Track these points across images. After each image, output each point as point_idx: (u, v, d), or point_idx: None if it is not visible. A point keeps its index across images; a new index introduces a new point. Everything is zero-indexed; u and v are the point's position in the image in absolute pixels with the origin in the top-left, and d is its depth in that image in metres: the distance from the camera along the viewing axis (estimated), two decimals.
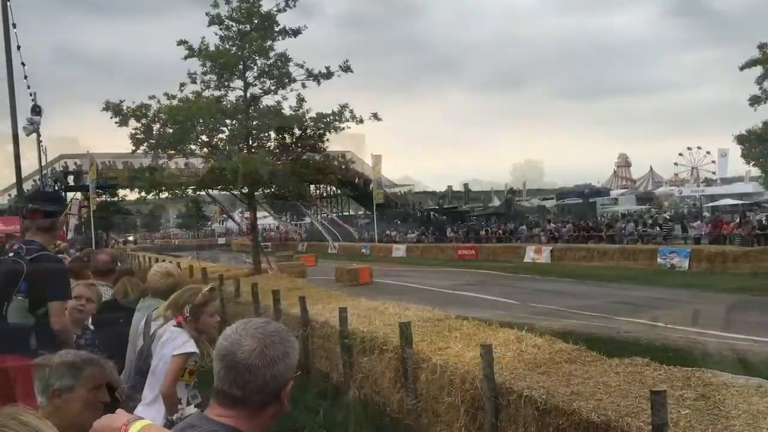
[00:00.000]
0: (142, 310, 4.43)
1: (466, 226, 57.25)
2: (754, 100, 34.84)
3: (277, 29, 18.88)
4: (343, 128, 19.31)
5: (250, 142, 19.42)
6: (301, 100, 19.26)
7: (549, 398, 4.67)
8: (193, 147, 19.63)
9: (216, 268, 22.96)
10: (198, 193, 21.62)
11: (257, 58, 18.93)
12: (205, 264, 23.24)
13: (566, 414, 4.43)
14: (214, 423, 1.75)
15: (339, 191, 62.96)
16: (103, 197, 53.59)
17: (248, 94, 19.48)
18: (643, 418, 4.00)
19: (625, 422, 4.03)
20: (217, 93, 19.22)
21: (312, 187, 49.15)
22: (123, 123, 18.28)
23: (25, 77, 14.96)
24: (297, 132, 19.42)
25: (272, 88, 19.37)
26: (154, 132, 18.54)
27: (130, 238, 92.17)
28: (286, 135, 19.53)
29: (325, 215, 62.28)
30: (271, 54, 18.87)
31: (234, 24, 19.01)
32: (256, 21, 18.76)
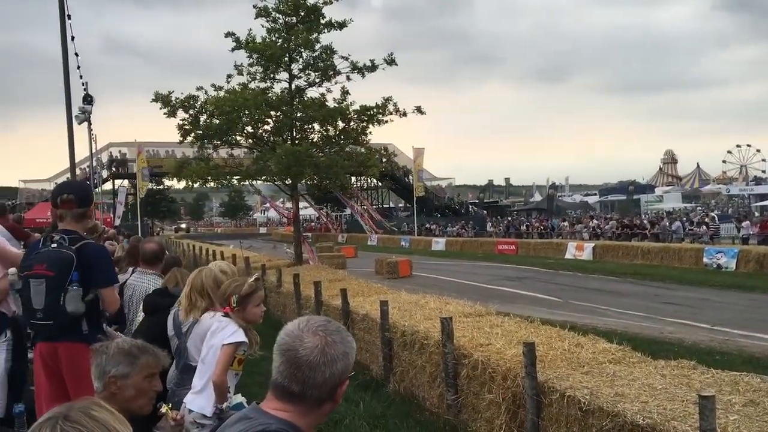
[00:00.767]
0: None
1: (506, 220, 56.94)
2: None
3: (323, 22, 18.96)
4: (386, 121, 19.36)
5: (294, 134, 19.59)
6: (345, 92, 19.35)
7: (593, 399, 4.63)
8: (238, 138, 19.89)
9: (258, 257, 23.26)
10: (242, 183, 21.90)
11: (303, 50, 19.04)
12: (248, 253, 23.56)
13: (610, 415, 4.39)
14: (270, 416, 1.79)
15: (380, 183, 63.15)
16: (150, 185, 54.65)
17: (293, 86, 19.65)
18: (689, 423, 3.94)
19: (671, 426, 3.97)
20: (262, 85, 19.43)
21: (353, 178, 49.50)
22: (171, 114, 18.63)
23: (78, 67, 15.34)
24: (340, 124, 19.51)
25: (317, 80, 19.50)
26: (200, 123, 18.86)
27: (183, 225, 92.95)
28: (329, 127, 19.64)
29: (365, 207, 62.49)
30: (317, 46, 18.98)
31: (281, 16, 19.16)
32: (302, 13, 18.87)
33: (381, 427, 6.83)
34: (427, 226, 55.19)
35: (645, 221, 40.17)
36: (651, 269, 24.52)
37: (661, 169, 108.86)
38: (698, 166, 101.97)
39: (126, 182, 57.10)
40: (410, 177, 57.27)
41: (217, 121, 18.61)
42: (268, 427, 1.75)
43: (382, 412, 7.24)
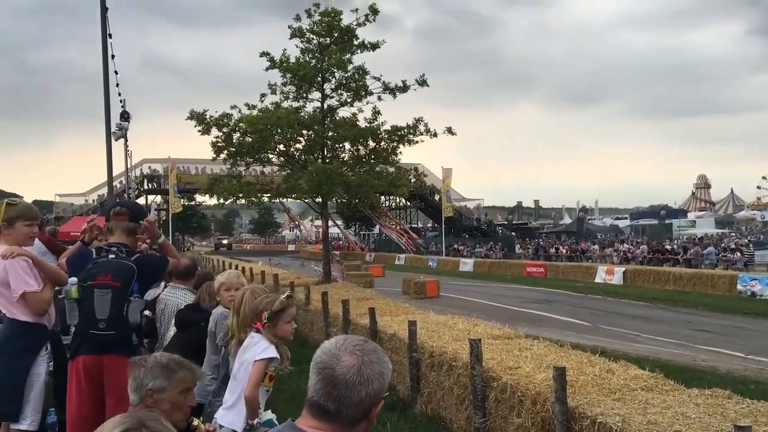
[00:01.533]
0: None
1: (535, 242, 56.49)
2: None
3: (356, 43, 19.19)
4: (417, 141, 19.44)
5: (326, 153, 19.76)
6: (376, 112, 19.50)
7: (624, 426, 4.56)
8: (270, 155, 20.12)
9: (287, 274, 23.38)
10: (273, 201, 22.08)
11: (335, 70, 19.28)
12: (276, 270, 23.69)
13: None
14: None
15: (409, 203, 63.19)
16: (182, 201, 55.42)
17: (325, 106, 19.87)
18: None
19: None
20: (295, 104, 19.70)
21: (382, 198, 49.62)
22: (205, 131, 18.95)
23: (117, 84, 15.71)
24: (371, 144, 19.63)
25: (348, 100, 19.69)
26: (234, 140, 19.13)
27: (225, 242, 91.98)
28: (360, 146, 19.78)
29: (400, 226, 62.53)
30: (349, 67, 19.19)
31: (315, 37, 19.44)
32: (336, 34, 19.13)
33: None
34: (455, 246, 54.99)
35: (677, 246, 39.58)
36: (683, 295, 24.10)
37: (693, 193, 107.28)
38: (732, 191, 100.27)
39: (159, 198, 57.96)
40: (436, 196, 57.32)
41: (250, 139, 18.87)
42: None
43: None
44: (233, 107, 19.23)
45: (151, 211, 49.98)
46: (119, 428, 1.53)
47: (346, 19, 19.27)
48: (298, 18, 19.35)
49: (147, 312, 5.61)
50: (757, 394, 7.38)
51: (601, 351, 7.77)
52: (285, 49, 19.46)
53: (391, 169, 20.66)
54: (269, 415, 3.83)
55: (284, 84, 19.50)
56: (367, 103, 19.65)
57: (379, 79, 19.36)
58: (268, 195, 20.79)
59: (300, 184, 18.91)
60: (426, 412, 7.95)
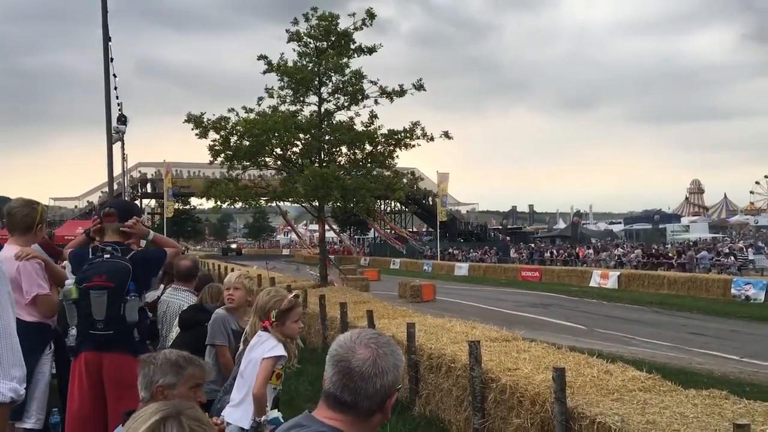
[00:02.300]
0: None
1: (530, 247, 56.62)
2: None
3: (353, 47, 19.25)
4: (414, 145, 19.50)
5: (322, 156, 19.79)
6: (373, 116, 19.54)
7: (624, 426, 4.62)
8: (267, 159, 20.14)
9: (283, 278, 23.38)
10: (269, 204, 22.09)
11: (333, 74, 19.33)
12: (273, 274, 23.70)
13: None
14: (322, 424, 1.85)
15: (405, 208, 63.28)
16: (177, 205, 55.32)
17: (322, 110, 19.91)
18: None
19: None
20: (292, 108, 19.72)
21: (378, 202, 49.71)
22: (203, 135, 18.95)
23: (115, 88, 15.70)
24: (368, 147, 19.67)
25: (345, 104, 19.74)
26: (231, 144, 19.14)
27: (233, 246, 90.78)
28: (357, 150, 19.82)
29: (389, 230, 62.58)
30: (347, 71, 19.24)
31: (312, 41, 19.49)
32: (333, 38, 19.18)
33: None
34: (450, 251, 55.06)
35: (670, 250, 39.74)
36: (677, 299, 24.23)
37: (687, 198, 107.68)
38: (725, 196, 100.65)
39: (153, 202, 57.84)
40: (430, 199, 57.47)
41: (247, 143, 18.88)
42: None
43: None
44: (230, 110, 19.26)
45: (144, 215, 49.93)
46: (157, 416, 1.53)
47: (343, 23, 19.36)
48: (295, 22, 19.40)
49: (150, 315, 5.64)
50: (753, 396, 7.41)
51: (597, 354, 7.81)
52: (282, 53, 19.53)
53: (388, 173, 20.70)
54: (275, 413, 3.87)
55: (281, 88, 19.55)
56: (364, 107, 19.72)
57: (376, 83, 19.43)
58: (265, 198, 20.79)
59: (297, 188, 18.94)
60: (425, 414, 7.99)
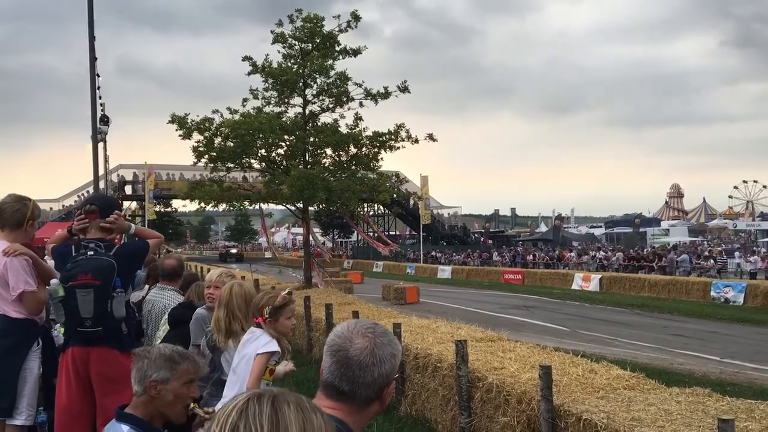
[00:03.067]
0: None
1: (512, 250, 56.90)
2: None
3: (337, 49, 19.28)
4: (398, 147, 19.55)
5: (307, 158, 19.77)
6: (358, 118, 19.57)
7: (609, 422, 4.68)
8: (251, 161, 20.08)
9: (267, 280, 23.32)
10: (253, 206, 22.02)
11: (317, 76, 19.34)
12: (257, 276, 23.61)
13: None
14: None
15: (388, 210, 63.24)
16: (158, 207, 54.89)
17: (307, 111, 19.90)
18: None
19: None
20: (277, 109, 19.69)
21: (364, 205, 49.56)
22: (186, 136, 18.86)
23: (98, 88, 15.56)
24: (353, 150, 19.69)
25: (330, 105, 19.76)
26: (215, 145, 19.07)
27: (233, 251, 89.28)
28: (342, 152, 19.82)
29: (372, 233, 62.51)
30: (331, 73, 19.26)
31: (297, 43, 19.48)
32: (318, 40, 19.20)
33: None
34: (433, 253, 55.16)
35: (651, 254, 40.10)
36: (658, 302, 24.48)
37: (667, 202, 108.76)
38: (704, 200, 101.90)
39: (134, 204, 57.29)
40: (411, 201, 57.47)
41: (232, 144, 18.82)
42: None
43: None
44: (215, 111, 19.21)
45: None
46: (242, 399, 1.33)
47: (328, 26, 19.38)
48: (280, 23, 19.43)
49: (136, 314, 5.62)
50: (734, 395, 7.54)
51: (581, 354, 7.89)
52: (267, 54, 19.51)
53: (372, 176, 20.72)
54: None
55: (266, 89, 19.53)
56: (349, 109, 19.76)
57: (360, 86, 19.47)
58: (249, 200, 20.72)
59: (281, 190, 18.90)
60: (410, 414, 8.02)
